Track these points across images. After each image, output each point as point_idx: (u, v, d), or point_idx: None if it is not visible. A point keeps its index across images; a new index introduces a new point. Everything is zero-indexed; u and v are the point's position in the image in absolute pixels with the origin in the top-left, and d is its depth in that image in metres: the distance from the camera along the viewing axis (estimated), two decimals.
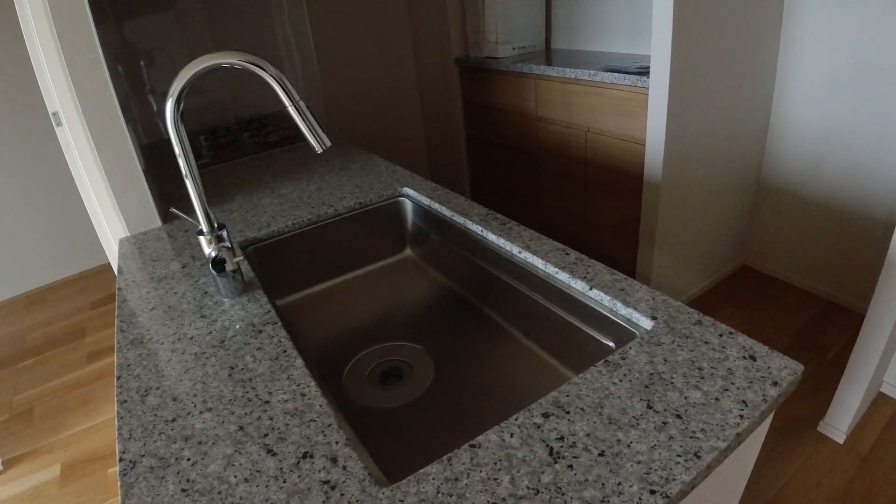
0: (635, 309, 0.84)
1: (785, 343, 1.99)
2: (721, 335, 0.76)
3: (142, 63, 2.25)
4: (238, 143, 2.05)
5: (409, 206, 1.40)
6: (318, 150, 0.89)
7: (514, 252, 1.08)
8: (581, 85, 2.05)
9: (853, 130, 1.90)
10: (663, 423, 0.60)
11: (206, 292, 1.01)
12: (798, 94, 2.03)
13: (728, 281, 2.38)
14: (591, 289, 0.91)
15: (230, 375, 0.77)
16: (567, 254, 1.03)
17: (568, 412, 0.63)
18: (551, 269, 0.99)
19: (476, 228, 1.17)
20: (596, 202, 2.19)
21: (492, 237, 1.13)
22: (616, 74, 1.88)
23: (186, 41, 2.33)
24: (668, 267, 2.08)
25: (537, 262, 1.02)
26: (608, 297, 0.88)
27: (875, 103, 1.83)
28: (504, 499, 0.53)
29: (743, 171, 2.18)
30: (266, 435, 0.65)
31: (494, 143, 2.66)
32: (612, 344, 0.90)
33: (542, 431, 0.61)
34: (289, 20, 2.56)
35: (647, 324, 0.81)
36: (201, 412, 0.70)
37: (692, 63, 1.73)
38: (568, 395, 0.66)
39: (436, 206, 1.30)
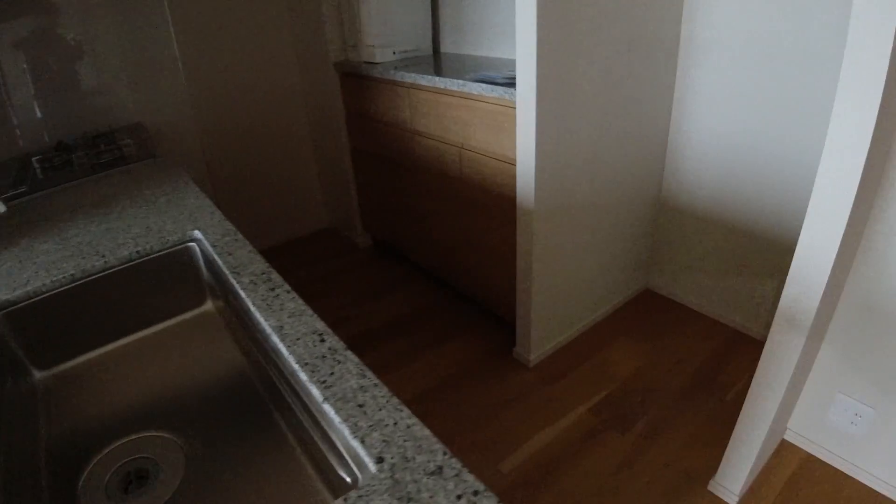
0: (363, 442, 0.58)
1: (681, 381, 1.80)
2: (461, 496, 0.51)
3: None
4: (71, 164, 1.73)
5: (199, 253, 1.14)
6: None
7: (267, 333, 0.82)
8: (452, 96, 1.81)
9: (757, 147, 1.73)
10: None
11: None
12: (698, 107, 1.84)
13: (629, 306, 2.18)
14: (324, 400, 0.66)
15: None
16: (322, 340, 0.77)
17: None
18: (293, 364, 0.73)
19: (242, 294, 0.91)
20: (476, 224, 1.94)
21: (253, 309, 0.87)
22: (484, 85, 1.64)
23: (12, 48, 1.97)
24: (554, 296, 1.85)
25: (282, 350, 0.76)
26: (339, 418, 0.62)
27: (780, 117, 1.65)
28: None
29: (641, 191, 1.98)
30: None
31: (379, 158, 2.39)
32: (348, 479, 0.65)
33: None
34: (147, 23, 2.23)
35: (371, 466, 0.56)
36: None
37: (566, 72, 1.50)
38: None
39: (218, 258, 1.03)
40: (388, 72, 2.05)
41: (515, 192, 1.67)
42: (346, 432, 0.60)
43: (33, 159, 1.89)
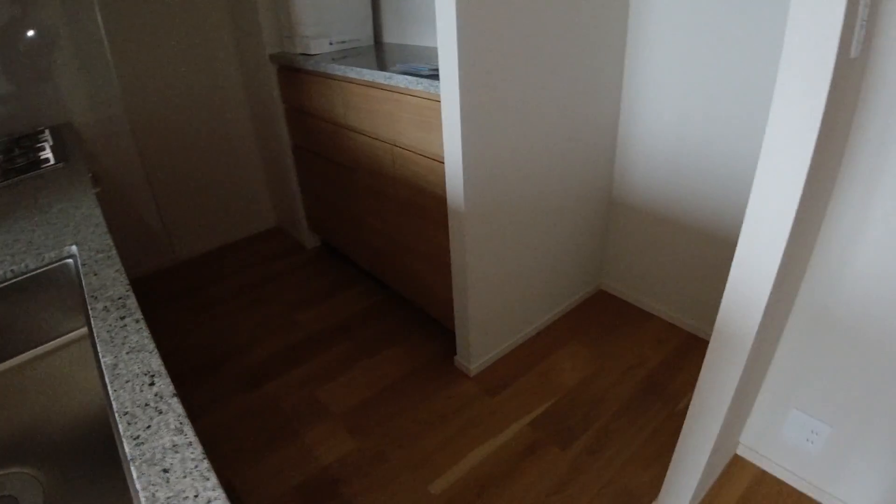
0: None
1: (630, 390, 1.70)
2: None
3: None
4: None
5: (74, 271, 1.04)
6: None
7: (102, 370, 0.71)
8: (380, 90, 1.68)
9: (709, 142, 1.63)
10: None
11: None
12: (649, 101, 1.73)
13: (581, 309, 2.08)
14: (131, 460, 0.55)
15: None
16: (151, 384, 0.66)
17: None
18: (115, 412, 0.63)
19: (91, 322, 0.80)
20: (410, 226, 1.83)
21: (97, 341, 0.76)
22: (409, 78, 1.52)
23: None
24: (495, 301, 1.74)
25: (109, 394, 0.66)
26: (139, 485, 0.53)
27: (733, 111, 1.55)
28: None
29: (590, 189, 1.87)
30: None
31: (317, 155, 2.26)
32: None
33: None
34: (74, 16, 2.08)
35: None
36: None
37: (495, 61, 1.38)
38: None
39: (82, 279, 0.91)
40: (319, 64, 1.92)
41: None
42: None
43: None
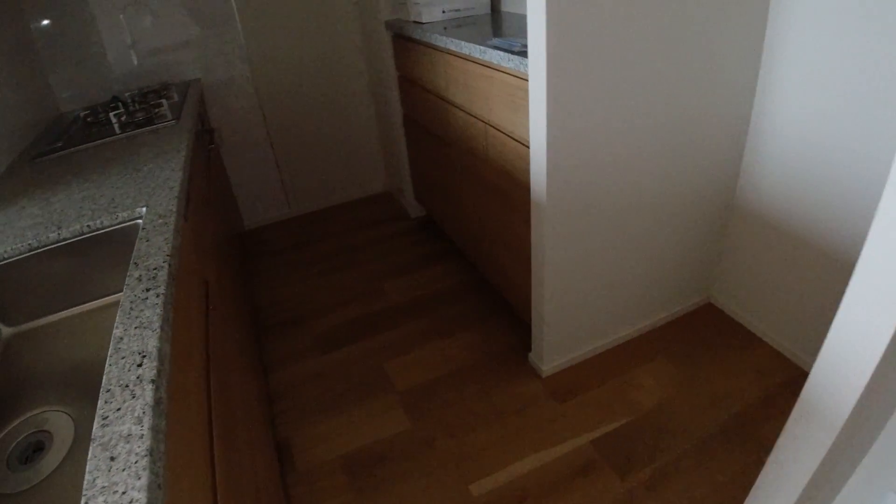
0: None
1: (714, 423, 1.49)
2: None
3: None
4: (108, 122, 1.79)
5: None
6: None
7: (111, 342, 0.74)
8: (476, 64, 1.58)
9: (859, 153, 1.32)
10: None
11: None
12: (795, 87, 1.44)
13: (681, 321, 1.86)
14: (91, 441, 0.58)
15: None
16: (140, 364, 0.69)
17: None
18: (101, 389, 0.66)
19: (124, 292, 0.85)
20: (496, 211, 1.73)
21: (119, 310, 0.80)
22: (501, 53, 1.40)
23: None
24: (578, 302, 1.60)
25: (105, 366, 0.69)
26: (88, 467, 0.56)
27: (884, 114, 1.25)
28: None
29: (708, 190, 1.63)
30: None
31: (423, 127, 2.22)
32: None
33: None
34: None
35: None
36: None
37: (594, 33, 1.21)
38: None
39: (137, 243, 0.96)
40: (426, 33, 1.85)
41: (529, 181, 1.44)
42: (84, 488, 0.50)
43: (81, 114, 1.98)
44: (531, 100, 1.30)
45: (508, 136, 1.51)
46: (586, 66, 1.24)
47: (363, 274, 2.33)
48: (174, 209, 1.06)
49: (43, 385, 0.94)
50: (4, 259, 1.03)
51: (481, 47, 1.48)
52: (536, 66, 1.23)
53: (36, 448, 0.84)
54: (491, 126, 1.60)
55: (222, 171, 2.45)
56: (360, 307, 2.12)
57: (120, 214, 1.09)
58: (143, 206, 1.10)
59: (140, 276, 0.85)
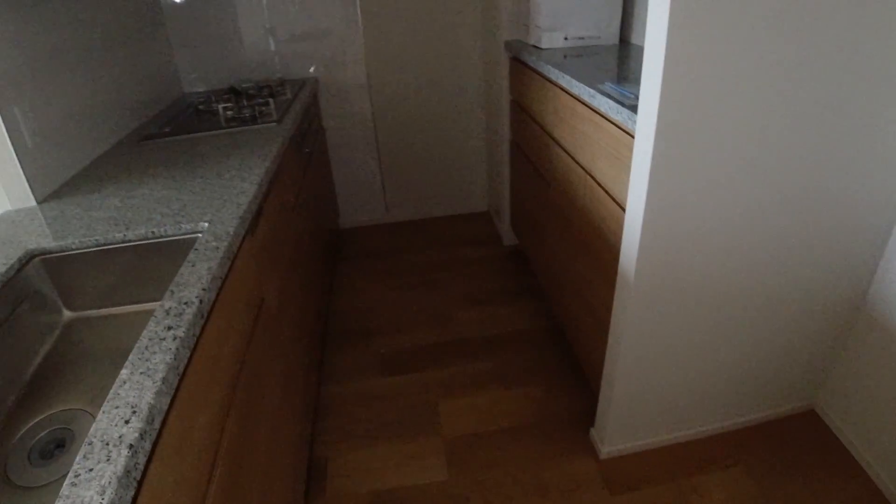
0: None
1: None
2: None
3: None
4: (215, 114, 1.88)
5: None
6: None
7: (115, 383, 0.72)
8: (584, 106, 1.43)
9: None
10: None
11: None
12: None
13: (774, 425, 1.59)
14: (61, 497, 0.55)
15: None
16: (127, 421, 0.67)
17: None
18: (87, 437, 0.63)
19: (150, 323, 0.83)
20: (583, 267, 1.57)
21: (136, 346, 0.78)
22: (609, 102, 1.25)
23: None
24: (654, 386, 1.42)
25: (98, 413, 0.67)
26: None
27: None
28: None
29: (832, 285, 1.36)
30: None
31: (526, 157, 2.10)
32: None
33: None
34: None
35: None
36: None
37: (715, 101, 1.03)
38: None
39: (184, 266, 0.95)
40: (540, 62, 1.73)
41: (619, 248, 1.28)
42: None
43: (196, 101, 2.09)
44: (634, 161, 1.14)
45: (606, 192, 1.35)
46: (704, 133, 1.06)
47: (442, 296, 2.26)
48: (232, 231, 1.05)
49: (82, 377, 0.96)
50: (72, 250, 1.08)
51: (591, 91, 1.34)
52: (645, 126, 1.07)
53: (57, 444, 0.86)
54: (591, 176, 1.45)
55: (325, 169, 2.49)
56: (430, 333, 2.05)
57: (184, 226, 1.10)
58: (206, 221, 1.10)
59: (169, 309, 0.83)
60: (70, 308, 1.12)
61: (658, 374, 1.39)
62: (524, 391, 1.76)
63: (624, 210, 1.25)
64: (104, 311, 1.13)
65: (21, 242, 1.10)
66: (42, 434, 0.87)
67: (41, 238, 1.11)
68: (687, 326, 1.32)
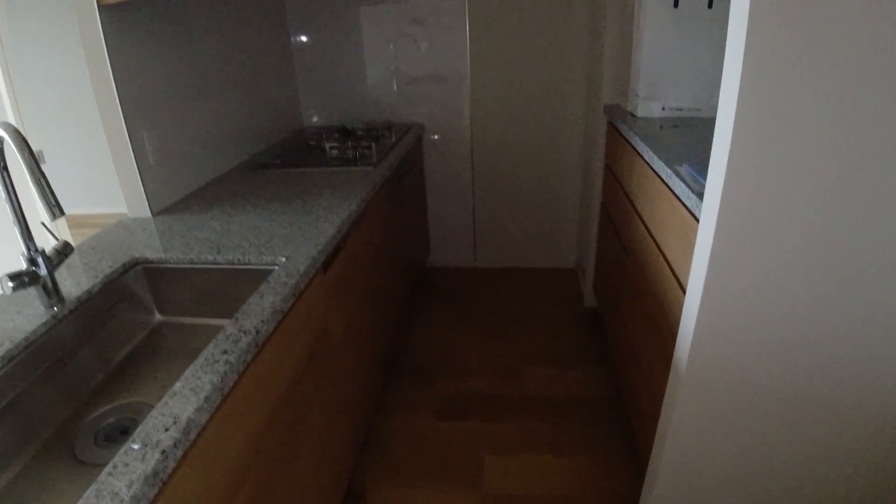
0: None
1: None
2: None
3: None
4: (322, 150, 2.09)
5: None
6: (50, 218, 0.94)
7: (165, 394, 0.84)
8: (662, 183, 1.42)
9: None
10: None
11: None
12: None
13: None
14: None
15: None
16: (167, 429, 0.77)
17: None
18: (129, 439, 0.75)
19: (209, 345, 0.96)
20: (645, 346, 1.52)
21: (193, 363, 0.91)
22: (681, 185, 1.23)
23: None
24: (702, 489, 1.33)
25: (145, 419, 0.78)
26: None
27: None
28: None
29: None
30: None
31: (613, 223, 2.08)
32: None
33: None
34: (447, 32, 2.45)
35: None
36: None
37: (775, 189, 0.99)
38: None
39: (252, 296, 1.07)
40: (631, 132, 1.73)
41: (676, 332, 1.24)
42: None
43: (309, 136, 2.31)
44: (697, 248, 1.12)
45: (673, 272, 1.32)
46: (767, 227, 1.02)
47: (514, 349, 2.27)
48: (302, 269, 1.16)
49: (157, 375, 1.11)
50: (170, 263, 1.26)
51: (668, 171, 1.33)
52: (708, 215, 1.05)
53: (122, 431, 1.00)
54: (662, 253, 1.42)
55: (419, 210, 2.63)
56: (493, 384, 2.07)
57: (265, 257, 1.23)
58: (284, 256, 1.22)
59: (230, 334, 0.94)
60: (161, 312, 1.30)
61: (704, 474, 1.30)
62: (574, 461, 1.72)
63: (685, 294, 1.22)
64: (188, 320, 1.29)
65: (129, 249, 1.30)
66: (111, 420, 1.02)
67: (147, 248, 1.30)
68: (739, 428, 1.23)
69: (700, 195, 1.14)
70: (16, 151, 0.93)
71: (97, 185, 4.19)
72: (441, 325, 2.45)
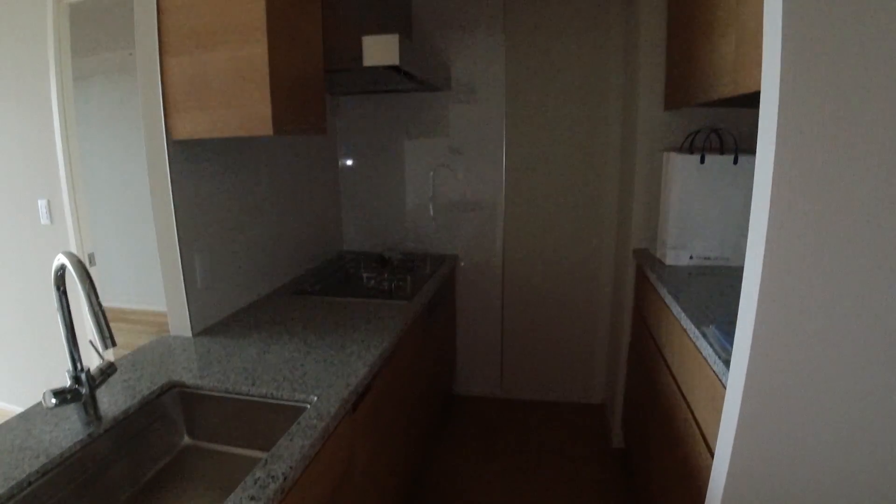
0: None
1: None
2: None
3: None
4: (359, 280, 2.18)
5: None
6: (102, 349, 1.02)
7: None
8: (689, 340, 1.44)
9: None
10: None
11: None
12: None
13: None
14: None
15: None
16: None
17: None
18: None
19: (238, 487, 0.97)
20: (671, 498, 1.46)
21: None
22: (708, 349, 1.25)
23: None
24: None
25: None
26: None
27: None
28: None
29: None
30: None
31: (642, 366, 2.07)
32: None
33: None
34: (482, 172, 2.63)
35: None
36: None
37: (802, 365, 1.01)
38: None
39: (283, 437, 1.10)
40: (659, 281, 1.78)
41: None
42: None
43: (348, 263, 2.42)
44: (724, 416, 1.11)
45: (701, 433, 1.30)
46: (795, 401, 1.02)
47: (535, 488, 2.18)
48: (332, 412, 1.18)
49: (182, 499, 1.12)
50: (206, 390, 1.30)
51: (696, 331, 1.35)
52: (734, 386, 1.07)
53: None
54: (690, 410, 1.41)
55: (448, 339, 2.66)
56: None
57: (297, 395, 1.27)
58: (315, 395, 1.26)
59: (258, 478, 0.96)
60: (190, 435, 1.32)
61: None
62: None
63: (713, 457, 1.19)
64: (217, 447, 1.31)
65: (168, 370, 1.36)
66: None
67: (185, 371, 1.36)
68: None
69: (727, 363, 1.15)
70: (76, 280, 1.03)
71: (138, 282, 4.40)
72: (464, 457, 2.39)
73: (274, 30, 1.41)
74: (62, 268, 1.07)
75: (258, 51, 1.39)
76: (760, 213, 0.99)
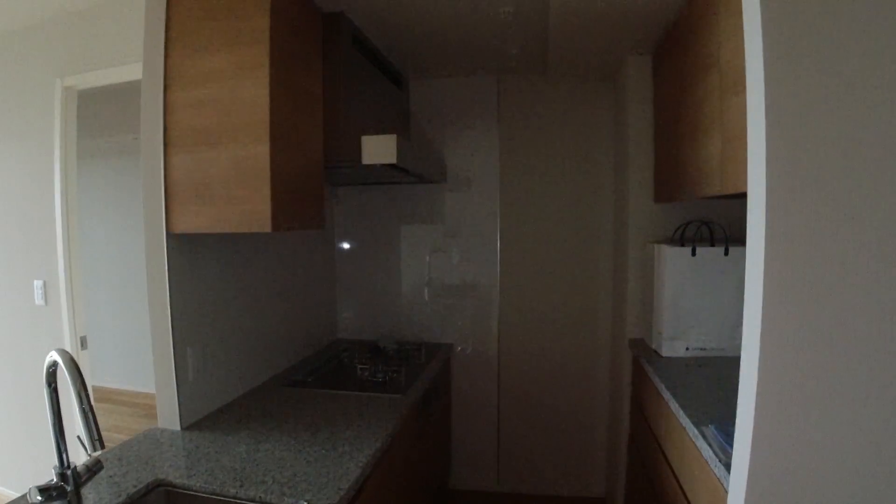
0: None
1: None
2: None
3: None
4: (352, 371, 2.14)
5: None
6: (90, 450, 1.00)
7: None
8: (689, 439, 1.41)
9: None
10: None
11: None
12: None
13: None
14: None
15: None
16: None
17: None
18: None
19: None
20: None
21: None
22: (710, 453, 1.22)
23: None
24: None
25: None
26: None
27: None
28: None
29: None
30: None
31: (641, 459, 2.00)
32: None
33: None
34: (478, 255, 2.65)
35: None
36: None
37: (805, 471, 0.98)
38: None
39: None
40: (656, 373, 1.76)
41: None
42: None
43: (342, 352, 2.39)
44: None
45: None
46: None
47: None
48: None
49: None
50: (192, 490, 1.25)
51: (695, 430, 1.33)
52: (736, 488, 1.03)
53: None
54: None
55: (443, 431, 2.59)
56: None
57: (286, 499, 1.21)
58: (306, 500, 1.20)
59: None
60: None
61: None
62: None
63: None
64: None
65: (154, 467, 1.31)
66: None
67: (172, 469, 1.31)
68: None
69: (727, 466, 1.13)
70: (68, 379, 1.01)
71: (129, 363, 4.31)
72: None
73: (277, 130, 1.48)
74: (54, 364, 1.06)
75: (261, 150, 1.45)
76: (754, 310, 1.00)
